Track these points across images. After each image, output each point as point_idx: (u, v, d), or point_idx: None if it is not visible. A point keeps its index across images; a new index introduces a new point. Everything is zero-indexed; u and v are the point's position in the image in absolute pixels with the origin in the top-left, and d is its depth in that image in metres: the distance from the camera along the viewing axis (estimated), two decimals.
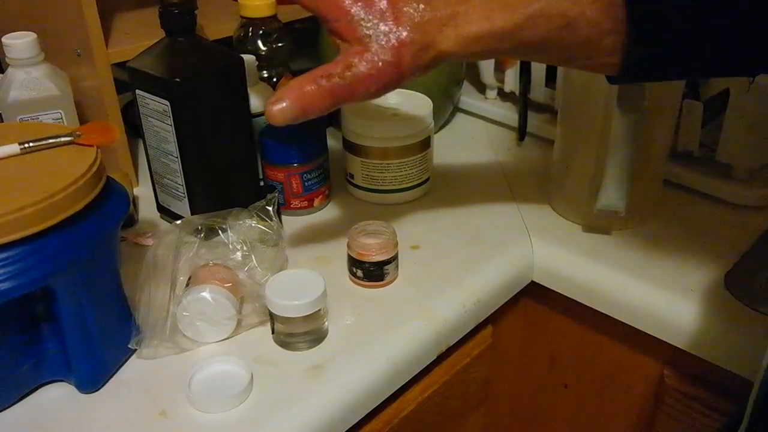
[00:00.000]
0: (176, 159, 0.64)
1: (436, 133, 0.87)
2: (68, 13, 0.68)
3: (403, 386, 0.57)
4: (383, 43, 0.46)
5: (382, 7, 0.46)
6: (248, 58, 0.70)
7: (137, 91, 0.64)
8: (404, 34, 0.46)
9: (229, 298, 0.54)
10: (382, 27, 0.46)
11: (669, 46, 0.44)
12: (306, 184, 0.70)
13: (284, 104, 0.47)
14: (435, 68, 0.49)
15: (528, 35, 0.45)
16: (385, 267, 0.60)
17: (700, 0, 0.42)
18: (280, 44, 0.78)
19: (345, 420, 0.52)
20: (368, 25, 0.46)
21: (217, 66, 0.64)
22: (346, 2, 0.47)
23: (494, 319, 0.67)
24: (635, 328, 0.62)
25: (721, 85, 0.74)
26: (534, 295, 0.71)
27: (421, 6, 0.46)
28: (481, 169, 0.82)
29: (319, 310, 0.54)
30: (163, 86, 0.61)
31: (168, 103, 0.61)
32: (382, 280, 0.61)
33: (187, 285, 0.56)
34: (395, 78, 0.47)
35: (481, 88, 0.94)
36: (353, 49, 0.47)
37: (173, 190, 0.67)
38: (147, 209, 0.73)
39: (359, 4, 0.47)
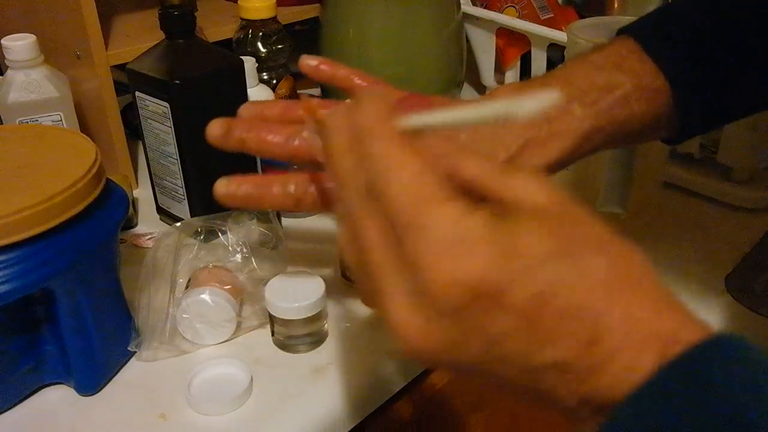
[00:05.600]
0: (176, 161, 0.64)
1: None
2: (68, 15, 0.68)
3: (403, 388, 0.57)
4: None
5: None
6: (248, 60, 0.70)
7: (137, 93, 0.64)
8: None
9: (229, 300, 0.54)
10: None
11: (717, 115, 0.50)
12: None
13: None
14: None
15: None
16: None
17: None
18: (279, 46, 0.78)
19: (345, 422, 0.52)
20: None
21: (216, 68, 0.64)
22: None
23: None
24: None
25: None
26: None
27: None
28: None
29: (319, 312, 0.54)
30: (163, 88, 0.61)
31: (168, 105, 0.61)
32: None
33: (187, 287, 0.56)
34: None
35: (481, 89, 0.94)
36: None
37: (173, 192, 0.67)
38: (146, 211, 0.73)
39: None
